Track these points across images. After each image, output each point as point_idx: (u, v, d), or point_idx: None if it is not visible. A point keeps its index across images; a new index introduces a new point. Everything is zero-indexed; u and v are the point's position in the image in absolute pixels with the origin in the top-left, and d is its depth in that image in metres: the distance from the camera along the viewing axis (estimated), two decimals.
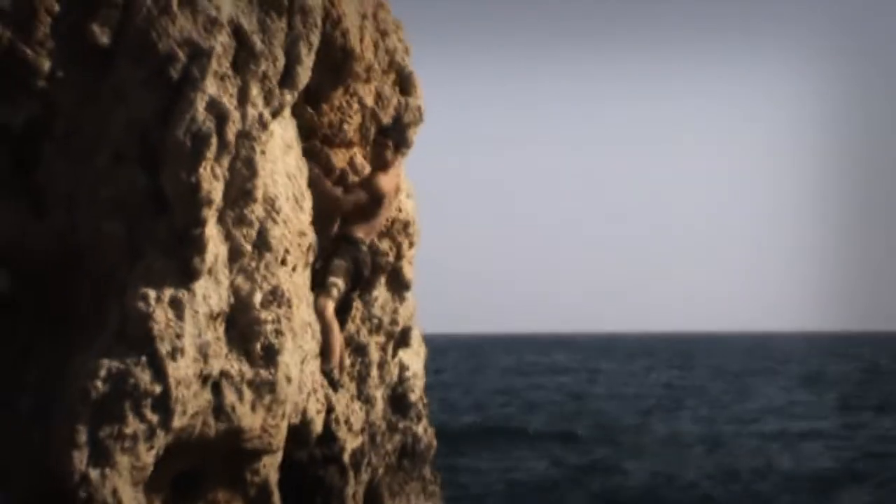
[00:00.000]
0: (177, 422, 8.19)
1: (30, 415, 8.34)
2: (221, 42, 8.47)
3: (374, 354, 10.38)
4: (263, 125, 8.65)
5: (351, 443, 9.90)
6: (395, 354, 10.65)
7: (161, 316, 8.20)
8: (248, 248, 8.63)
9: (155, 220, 8.34)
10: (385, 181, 9.84)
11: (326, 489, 9.68)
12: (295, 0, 8.82)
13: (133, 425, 8.07)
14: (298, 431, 9.05)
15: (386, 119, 10.18)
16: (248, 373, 8.55)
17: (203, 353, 8.33)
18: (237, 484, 8.88)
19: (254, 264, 8.65)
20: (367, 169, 10.00)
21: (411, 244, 10.57)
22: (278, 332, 8.67)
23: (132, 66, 8.42)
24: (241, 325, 8.58)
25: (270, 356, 8.64)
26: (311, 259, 9.22)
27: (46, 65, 8.41)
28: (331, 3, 9.51)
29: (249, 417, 8.55)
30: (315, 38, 8.93)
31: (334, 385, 9.66)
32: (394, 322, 10.52)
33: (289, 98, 8.86)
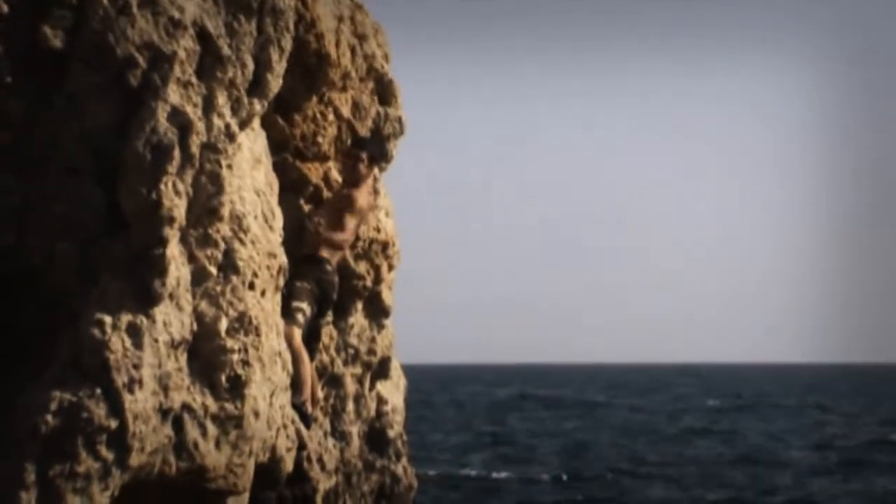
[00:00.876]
0: (134, 459, 8.03)
1: None
2: (185, 46, 8.34)
3: (350, 387, 10.33)
4: (230, 137, 8.54)
5: (324, 483, 9.83)
6: (372, 387, 10.58)
7: (117, 344, 8.03)
8: (213, 270, 8.50)
9: (111, 239, 8.22)
10: (359, 196, 9.76)
11: None
12: (265, 1, 8.73)
13: (86, 463, 7.90)
14: (267, 470, 8.92)
15: (363, 131, 10.16)
16: (213, 406, 8.41)
17: (163, 385, 8.19)
18: None
19: (219, 288, 8.52)
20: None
21: (391, 267, 10.50)
22: (245, 363, 8.54)
23: (87, 72, 8.29)
24: (204, 355, 8.44)
25: (237, 388, 8.50)
26: (281, 283, 9.07)
27: None
28: (304, 4, 9.51)
29: (214, 455, 8.41)
30: (287, 43, 8.85)
31: (306, 420, 9.51)
32: (371, 352, 10.47)
33: (258, 107, 8.79)
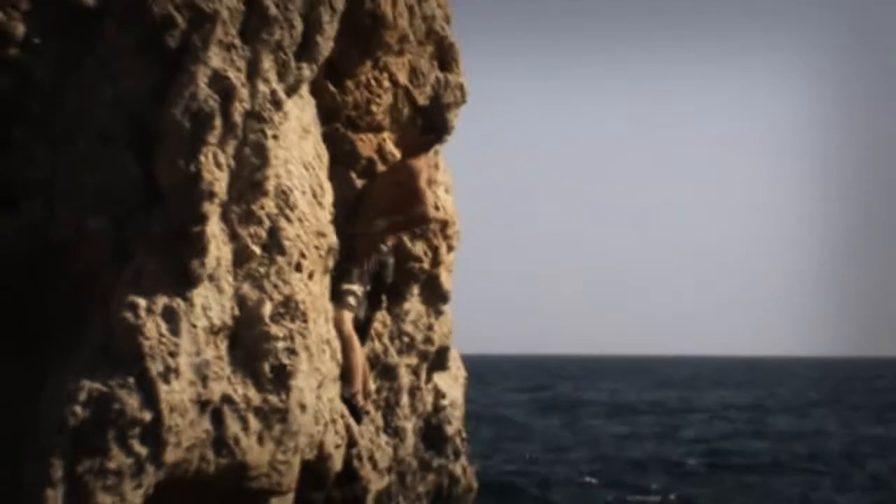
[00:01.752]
0: (169, 455, 7.87)
1: None
2: (227, 5, 8.16)
3: (405, 379, 10.34)
4: (277, 104, 8.36)
5: (376, 483, 9.86)
6: (429, 379, 10.59)
7: (152, 329, 7.88)
8: (257, 250, 8.34)
9: (147, 214, 8.04)
10: (417, 170, 9.66)
11: None
12: None
13: (117, 459, 7.73)
14: (314, 469, 8.79)
15: (422, 99, 10.03)
16: (255, 398, 8.26)
17: (201, 375, 8.04)
18: None
19: (263, 269, 8.36)
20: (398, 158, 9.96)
21: (450, 248, 10.47)
22: (291, 351, 8.39)
23: (121, 32, 8.12)
24: (247, 342, 8.29)
25: (281, 379, 8.35)
26: (330, 264, 8.90)
27: (20, 30, 8.13)
28: None
29: (256, 451, 8.27)
30: (339, 2, 8.68)
31: (357, 415, 9.42)
32: (428, 340, 10.48)
33: (307, 73, 8.60)
